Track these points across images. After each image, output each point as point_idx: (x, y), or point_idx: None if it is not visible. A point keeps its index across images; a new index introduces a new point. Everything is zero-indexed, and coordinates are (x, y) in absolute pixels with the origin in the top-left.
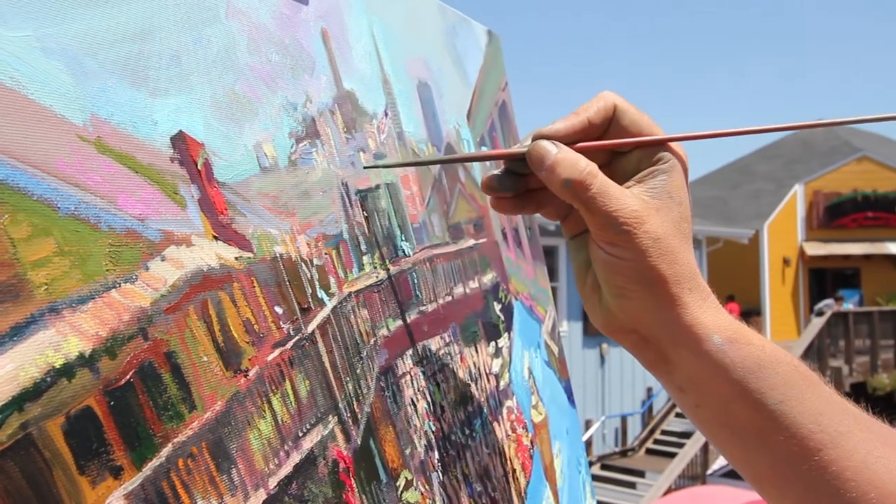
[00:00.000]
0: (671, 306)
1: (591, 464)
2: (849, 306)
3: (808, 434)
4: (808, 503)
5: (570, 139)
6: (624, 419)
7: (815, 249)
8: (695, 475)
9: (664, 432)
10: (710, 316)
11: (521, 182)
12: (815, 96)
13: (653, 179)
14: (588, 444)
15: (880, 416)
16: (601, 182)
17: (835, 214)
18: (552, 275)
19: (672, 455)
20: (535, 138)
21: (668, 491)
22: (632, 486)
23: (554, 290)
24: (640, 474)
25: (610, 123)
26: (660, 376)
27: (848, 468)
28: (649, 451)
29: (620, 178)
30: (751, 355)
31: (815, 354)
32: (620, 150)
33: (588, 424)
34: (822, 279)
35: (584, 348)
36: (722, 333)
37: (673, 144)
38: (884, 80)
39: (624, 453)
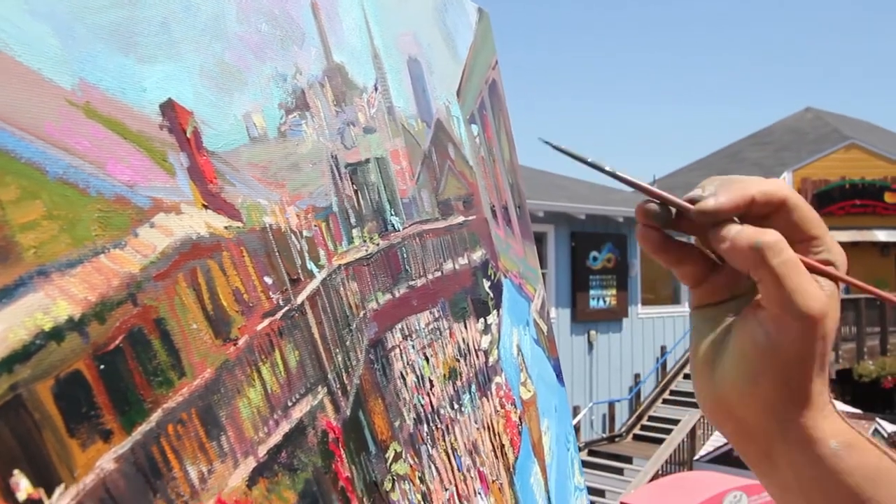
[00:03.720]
0: (798, 408)
1: (578, 450)
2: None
3: None
4: None
5: (731, 212)
6: (612, 405)
7: None
8: (682, 461)
9: (651, 418)
10: (829, 421)
11: (674, 224)
12: (803, 82)
13: (821, 280)
14: (576, 430)
15: (866, 401)
16: (793, 254)
17: (823, 202)
18: (540, 262)
19: (659, 441)
20: (697, 210)
21: (656, 476)
22: (619, 471)
23: (542, 276)
24: (628, 460)
25: (773, 212)
26: (760, 474)
27: None
28: (637, 437)
29: None
30: (868, 463)
31: None
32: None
33: (576, 411)
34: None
35: (573, 335)
36: (838, 438)
37: (834, 245)
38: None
39: (611, 439)
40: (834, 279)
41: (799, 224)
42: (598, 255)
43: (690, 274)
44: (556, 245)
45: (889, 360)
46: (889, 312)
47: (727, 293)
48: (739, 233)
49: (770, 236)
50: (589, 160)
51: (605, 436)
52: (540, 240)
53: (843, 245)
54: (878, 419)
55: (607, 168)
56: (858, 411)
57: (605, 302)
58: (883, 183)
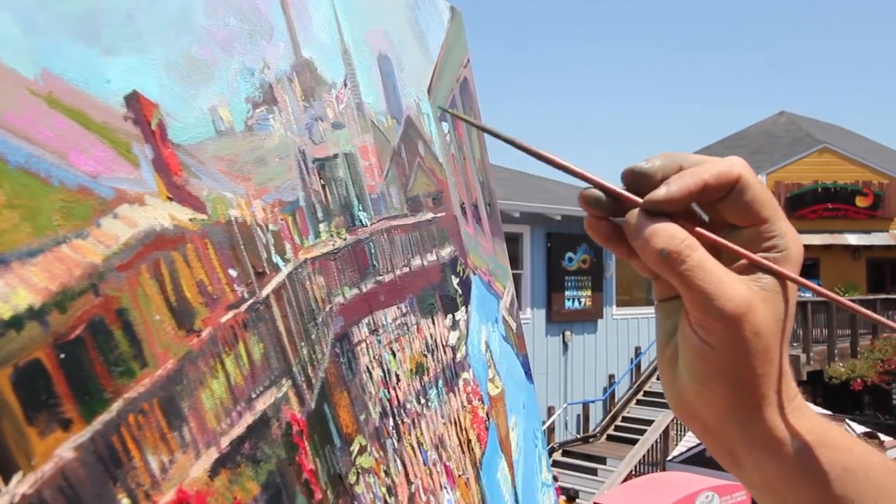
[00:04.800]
0: (753, 408)
1: (552, 450)
2: (808, 296)
3: None
4: None
5: (684, 202)
6: (586, 406)
7: None
8: (655, 461)
9: (625, 419)
10: (793, 419)
11: (619, 210)
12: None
13: (739, 281)
14: (550, 430)
15: (837, 402)
16: (701, 257)
17: (796, 205)
18: (515, 263)
19: (633, 441)
20: (648, 202)
21: (629, 477)
22: (593, 472)
23: (518, 277)
24: (602, 461)
25: (727, 194)
26: (729, 470)
27: None
28: (610, 438)
29: (726, 259)
30: (836, 460)
31: None
32: (726, 249)
33: (550, 411)
34: None
35: (548, 335)
36: (804, 437)
37: (789, 230)
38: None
39: (586, 440)
40: (770, 273)
41: (751, 205)
42: (574, 256)
43: (646, 267)
44: (531, 246)
45: (859, 362)
46: (859, 316)
47: None
48: (650, 235)
49: (676, 242)
50: (503, 135)
51: (579, 436)
52: (516, 240)
53: (816, 248)
54: (847, 420)
55: (526, 145)
56: (829, 413)
57: (580, 303)
58: (854, 187)
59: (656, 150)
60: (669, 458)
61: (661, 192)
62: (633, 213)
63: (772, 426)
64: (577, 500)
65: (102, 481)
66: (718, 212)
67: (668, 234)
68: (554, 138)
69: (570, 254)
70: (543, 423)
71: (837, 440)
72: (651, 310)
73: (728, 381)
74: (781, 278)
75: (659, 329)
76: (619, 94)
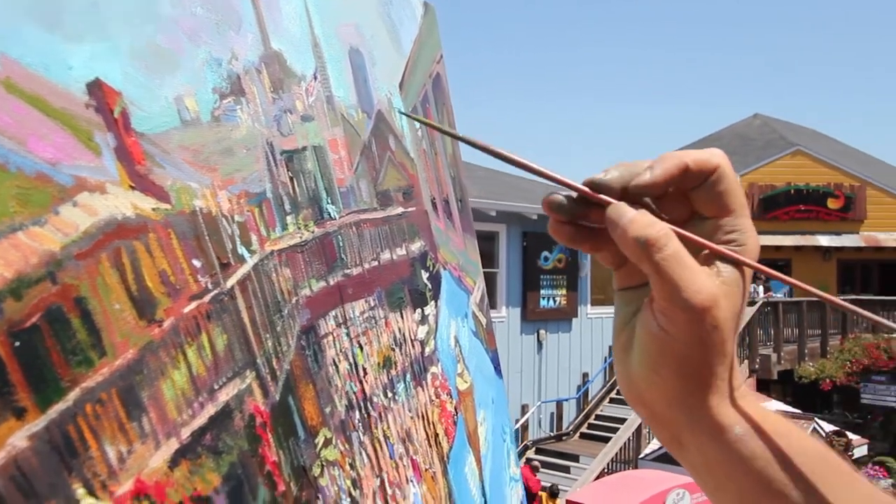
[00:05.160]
0: (701, 396)
1: (526, 448)
2: (779, 295)
3: None
4: None
5: (662, 187)
6: (560, 404)
7: None
8: (627, 459)
9: (599, 417)
10: (736, 406)
11: (581, 212)
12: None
13: (721, 266)
14: (524, 428)
15: (807, 401)
16: (677, 247)
17: (769, 207)
18: (491, 261)
19: (606, 439)
20: (628, 190)
21: (602, 474)
22: (566, 469)
23: (493, 275)
24: (575, 458)
25: (705, 181)
26: (674, 454)
27: None
28: (584, 436)
29: (689, 248)
30: (774, 446)
31: (746, 343)
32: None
33: (524, 409)
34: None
35: (522, 334)
36: (744, 424)
37: (749, 227)
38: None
39: (559, 437)
40: (736, 263)
41: (723, 196)
42: (550, 256)
43: (610, 257)
44: (507, 244)
45: (828, 362)
46: (829, 316)
47: (646, 276)
48: (629, 223)
49: (655, 230)
50: (460, 135)
51: (552, 434)
52: (491, 239)
53: (788, 249)
54: (816, 419)
55: (492, 147)
56: (798, 411)
57: (555, 302)
58: (826, 189)
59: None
60: (641, 455)
61: (645, 177)
62: (615, 206)
63: (717, 413)
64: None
65: (57, 471)
66: (688, 201)
67: (646, 222)
68: (526, 138)
69: (545, 253)
70: (517, 421)
71: (777, 426)
72: None
73: (680, 370)
74: (750, 269)
75: (617, 316)
76: (593, 96)
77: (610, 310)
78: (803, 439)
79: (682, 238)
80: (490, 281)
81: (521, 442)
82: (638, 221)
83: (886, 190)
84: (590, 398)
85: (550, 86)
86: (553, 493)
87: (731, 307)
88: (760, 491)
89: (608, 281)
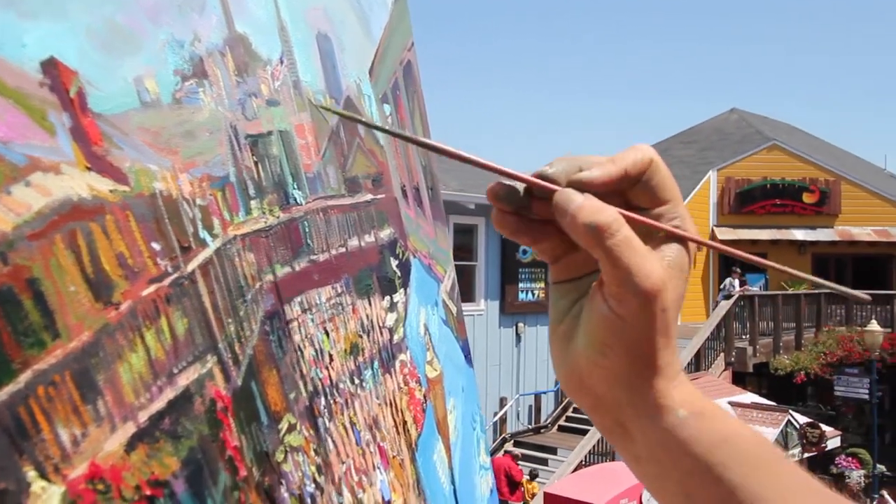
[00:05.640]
0: (647, 378)
1: (504, 441)
2: (755, 288)
3: None
4: None
5: (604, 188)
6: (538, 397)
7: (725, 234)
8: (605, 452)
9: (576, 410)
10: (678, 390)
11: (525, 204)
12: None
13: (668, 247)
14: (502, 421)
15: (781, 394)
16: (627, 233)
17: (745, 201)
18: (470, 254)
19: (584, 432)
20: (570, 183)
21: (579, 467)
22: (544, 462)
23: (472, 268)
24: (553, 451)
25: (640, 178)
26: (616, 444)
27: None
28: (562, 429)
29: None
30: (714, 429)
31: (722, 335)
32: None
33: (503, 402)
34: (731, 263)
35: (501, 327)
36: (687, 407)
37: (686, 214)
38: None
39: (537, 430)
40: (685, 240)
41: (658, 188)
42: (528, 249)
43: (549, 250)
44: (486, 237)
45: (803, 354)
46: (804, 309)
47: (585, 269)
48: (578, 210)
49: (605, 216)
50: (392, 129)
51: (530, 427)
52: (470, 232)
53: (764, 243)
54: (791, 411)
55: (432, 143)
56: (773, 403)
57: (533, 295)
58: (801, 184)
59: (609, 144)
60: None
61: (584, 174)
62: (561, 192)
63: (661, 395)
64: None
65: (7, 454)
66: (627, 197)
67: (596, 207)
68: (502, 131)
69: (524, 246)
70: (496, 413)
71: (716, 412)
72: None
73: (629, 352)
74: (705, 246)
75: (553, 308)
76: (569, 89)
77: None
78: (740, 426)
79: (630, 221)
80: (469, 274)
81: (500, 435)
82: (587, 207)
83: (860, 185)
84: None
85: (525, 78)
86: (533, 475)
87: (675, 290)
88: (700, 475)
89: None
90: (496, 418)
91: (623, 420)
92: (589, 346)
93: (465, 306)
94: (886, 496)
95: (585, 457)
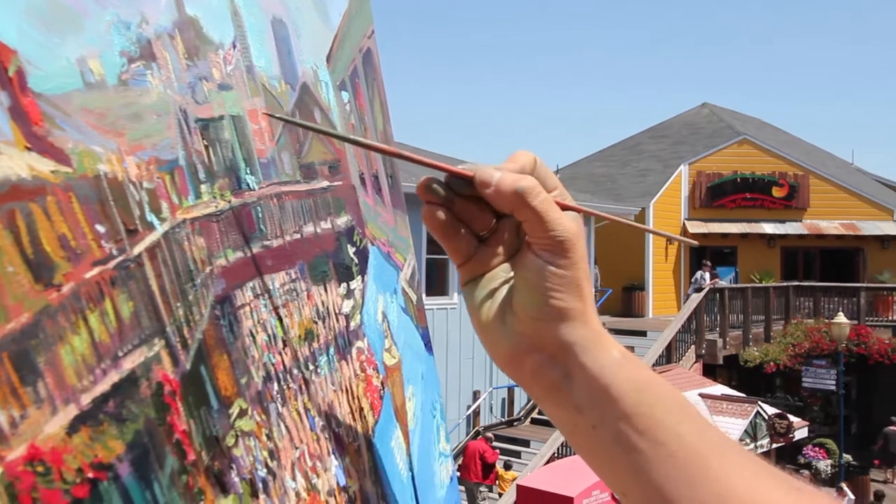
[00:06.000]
0: (586, 317)
1: (478, 433)
2: (725, 281)
3: (693, 447)
4: None
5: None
6: (511, 390)
7: (696, 228)
8: None
9: None
10: (607, 334)
11: (450, 199)
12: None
13: (569, 215)
14: (476, 414)
15: (751, 385)
16: (546, 195)
17: (716, 195)
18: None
19: None
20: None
21: (552, 459)
22: (517, 455)
23: (445, 262)
24: (526, 443)
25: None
26: (558, 400)
27: (731, 482)
28: (534, 421)
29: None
30: (640, 373)
31: (693, 328)
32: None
33: (476, 395)
34: (702, 257)
35: None
36: (619, 350)
37: (567, 195)
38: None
39: (510, 423)
40: (579, 212)
41: (545, 179)
42: None
43: (463, 250)
44: None
45: (772, 346)
46: (773, 302)
47: (493, 262)
48: (502, 179)
49: (527, 181)
50: (324, 129)
51: (504, 420)
52: None
53: (734, 237)
54: (760, 402)
55: (359, 140)
56: (742, 395)
57: None
58: (771, 178)
59: (587, 140)
60: None
61: (498, 166)
62: (483, 169)
63: (600, 330)
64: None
65: None
66: None
67: (516, 176)
68: (468, 124)
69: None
70: (469, 407)
71: (636, 358)
72: None
73: (569, 293)
74: (588, 214)
75: (474, 306)
76: (538, 83)
77: None
78: (656, 374)
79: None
80: (442, 268)
81: (473, 427)
82: (509, 176)
83: (828, 179)
84: None
85: (489, 71)
86: (506, 466)
87: (584, 245)
88: (629, 417)
89: None
90: (469, 411)
91: (569, 367)
92: (534, 302)
93: (439, 300)
94: (846, 488)
95: (558, 449)
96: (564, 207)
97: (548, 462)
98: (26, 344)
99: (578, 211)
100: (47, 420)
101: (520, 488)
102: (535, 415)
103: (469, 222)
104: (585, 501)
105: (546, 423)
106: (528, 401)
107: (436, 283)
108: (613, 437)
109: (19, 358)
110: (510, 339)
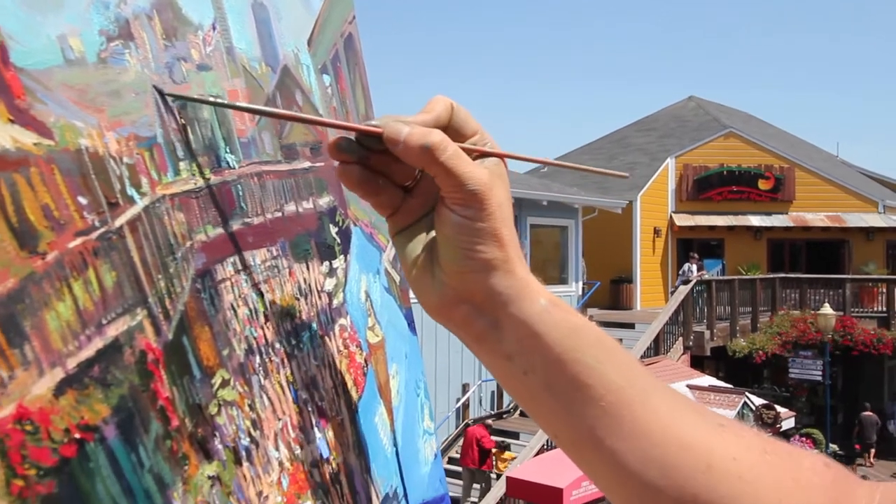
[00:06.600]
0: (509, 266)
1: (467, 426)
2: (713, 274)
3: (621, 390)
4: (622, 456)
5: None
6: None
7: (683, 221)
8: None
9: None
10: (535, 281)
11: (364, 156)
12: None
13: (486, 160)
14: (465, 407)
15: (738, 376)
16: (455, 148)
17: (702, 187)
18: None
19: None
20: (386, 124)
21: (541, 451)
22: (506, 447)
23: None
24: (515, 436)
25: (449, 122)
26: (488, 348)
27: (656, 421)
28: (523, 414)
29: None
30: (568, 319)
31: (681, 320)
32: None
33: (465, 388)
34: (689, 249)
35: None
36: (546, 297)
37: (490, 138)
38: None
39: (500, 415)
40: (498, 156)
41: (464, 124)
42: None
43: (387, 203)
44: None
45: (759, 336)
46: (760, 293)
47: (421, 211)
48: (409, 136)
49: (435, 136)
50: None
51: (493, 412)
52: None
53: (721, 229)
54: (747, 393)
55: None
56: (730, 386)
57: None
58: (757, 171)
59: (574, 133)
60: None
61: (411, 118)
62: (391, 126)
63: (525, 278)
64: (492, 475)
65: None
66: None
67: (424, 131)
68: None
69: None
70: (458, 399)
71: (565, 304)
72: (564, 288)
73: (488, 244)
74: (508, 158)
75: (404, 256)
76: (522, 76)
77: (549, 289)
78: (585, 319)
79: (464, 149)
80: None
81: (463, 420)
82: (416, 132)
83: (814, 171)
84: None
85: (473, 63)
86: (504, 446)
87: (504, 191)
88: (558, 362)
89: (547, 261)
90: (459, 404)
91: (496, 316)
92: (454, 257)
93: None
94: None
95: (548, 441)
96: (483, 154)
97: (537, 454)
98: (13, 308)
99: (496, 156)
100: (35, 381)
101: (510, 480)
102: None
103: (390, 175)
104: (575, 492)
105: None
106: None
107: None
108: (543, 382)
109: (6, 321)
110: (439, 290)
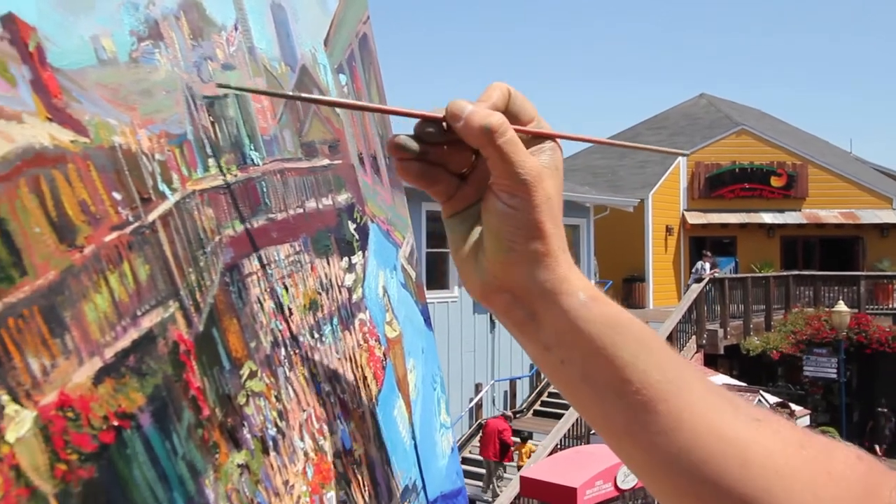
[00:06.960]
0: (550, 260)
1: (480, 426)
2: (725, 272)
3: (657, 384)
4: (658, 449)
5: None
6: (513, 382)
7: (695, 218)
8: (579, 435)
9: (551, 395)
10: (576, 275)
11: (423, 150)
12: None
13: (542, 153)
14: (478, 407)
15: (752, 374)
16: (513, 134)
17: (714, 185)
18: (443, 242)
19: (558, 416)
20: (452, 113)
21: (555, 450)
22: (526, 438)
23: (446, 256)
24: (528, 436)
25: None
26: (527, 336)
27: (690, 415)
28: (537, 413)
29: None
30: (609, 313)
31: (694, 318)
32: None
33: (478, 388)
34: (702, 247)
35: (475, 313)
36: (586, 292)
37: (547, 125)
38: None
39: (513, 415)
40: (550, 136)
41: (521, 111)
42: None
43: (443, 191)
44: None
45: (773, 334)
46: (773, 291)
47: (474, 197)
48: (472, 114)
49: (496, 119)
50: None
51: (506, 413)
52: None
53: (733, 227)
54: (761, 391)
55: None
56: (744, 384)
57: None
58: (770, 168)
59: (582, 131)
60: (593, 431)
61: (471, 103)
62: (454, 103)
63: (563, 278)
64: (505, 474)
65: None
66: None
67: (487, 112)
68: None
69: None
70: (471, 399)
71: (607, 298)
72: None
73: (529, 237)
74: (565, 139)
75: (453, 238)
76: (535, 75)
77: None
78: (628, 313)
79: (518, 131)
80: (443, 261)
81: (475, 420)
82: (479, 111)
83: (827, 168)
84: (542, 376)
85: (486, 61)
86: (524, 438)
87: (555, 184)
88: (597, 356)
89: None
90: (472, 404)
91: (534, 308)
92: (497, 248)
93: (440, 293)
94: None
95: (561, 440)
96: (540, 135)
97: (551, 453)
98: (54, 300)
99: (547, 136)
100: (75, 370)
101: (524, 480)
102: (537, 406)
103: (446, 165)
104: (589, 492)
105: (548, 416)
106: (531, 393)
107: (436, 276)
108: (581, 374)
109: (48, 312)
110: (482, 277)
